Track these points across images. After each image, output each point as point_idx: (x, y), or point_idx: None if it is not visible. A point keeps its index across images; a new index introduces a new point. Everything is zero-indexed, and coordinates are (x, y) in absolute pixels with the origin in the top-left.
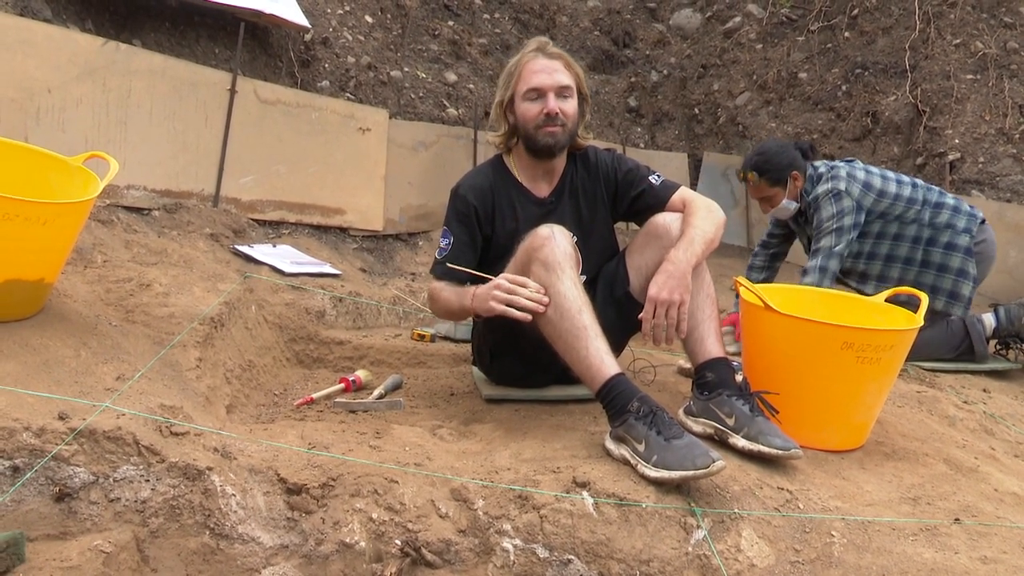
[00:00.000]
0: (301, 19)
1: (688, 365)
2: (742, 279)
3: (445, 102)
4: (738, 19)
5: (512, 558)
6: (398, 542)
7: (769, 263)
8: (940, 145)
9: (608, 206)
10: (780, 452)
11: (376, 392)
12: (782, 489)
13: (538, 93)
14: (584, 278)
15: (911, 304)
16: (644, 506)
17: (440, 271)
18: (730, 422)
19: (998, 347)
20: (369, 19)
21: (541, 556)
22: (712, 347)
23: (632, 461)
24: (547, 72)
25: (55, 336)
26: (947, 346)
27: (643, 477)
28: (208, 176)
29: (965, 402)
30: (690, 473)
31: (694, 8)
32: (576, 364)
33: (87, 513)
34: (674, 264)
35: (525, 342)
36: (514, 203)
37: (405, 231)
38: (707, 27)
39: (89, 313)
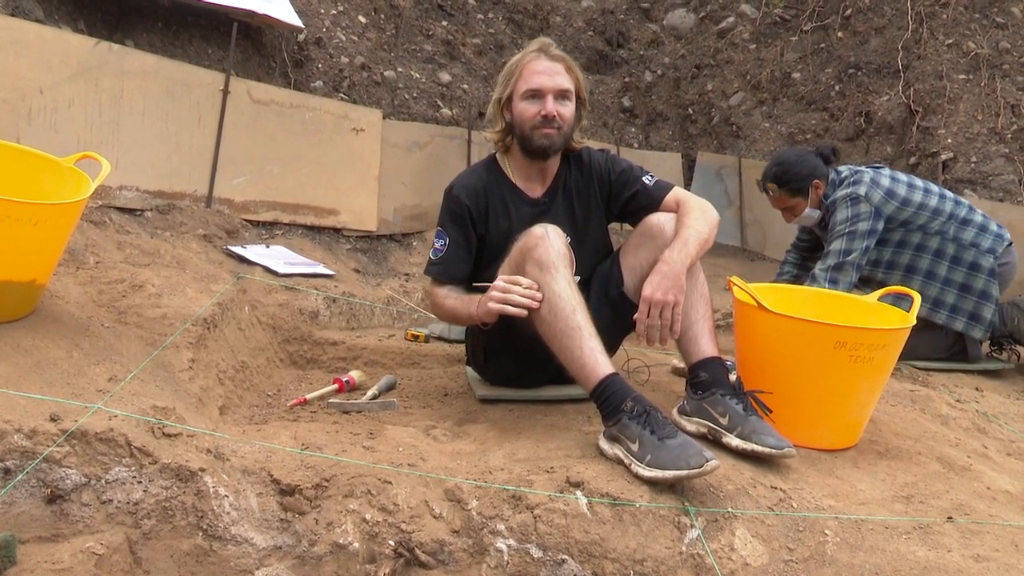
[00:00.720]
0: (294, 19)
1: (682, 365)
2: (736, 279)
3: (439, 102)
4: (732, 19)
5: (506, 558)
6: (392, 543)
7: (802, 261)
8: (933, 145)
9: (602, 207)
10: (774, 451)
11: (370, 393)
12: (776, 488)
13: (537, 94)
14: (578, 278)
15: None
16: (638, 505)
17: (435, 272)
18: (724, 421)
19: (992, 347)
20: (363, 19)
21: (535, 556)
22: (706, 347)
23: (626, 461)
24: (548, 74)
25: (47, 337)
26: (941, 347)
27: (637, 477)
28: (201, 177)
29: (958, 401)
30: (684, 472)
31: (688, 8)
32: (570, 364)
33: (79, 515)
34: (668, 264)
35: (519, 342)
36: (507, 203)
37: (399, 231)
38: (701, 27)
39: (81, 314)
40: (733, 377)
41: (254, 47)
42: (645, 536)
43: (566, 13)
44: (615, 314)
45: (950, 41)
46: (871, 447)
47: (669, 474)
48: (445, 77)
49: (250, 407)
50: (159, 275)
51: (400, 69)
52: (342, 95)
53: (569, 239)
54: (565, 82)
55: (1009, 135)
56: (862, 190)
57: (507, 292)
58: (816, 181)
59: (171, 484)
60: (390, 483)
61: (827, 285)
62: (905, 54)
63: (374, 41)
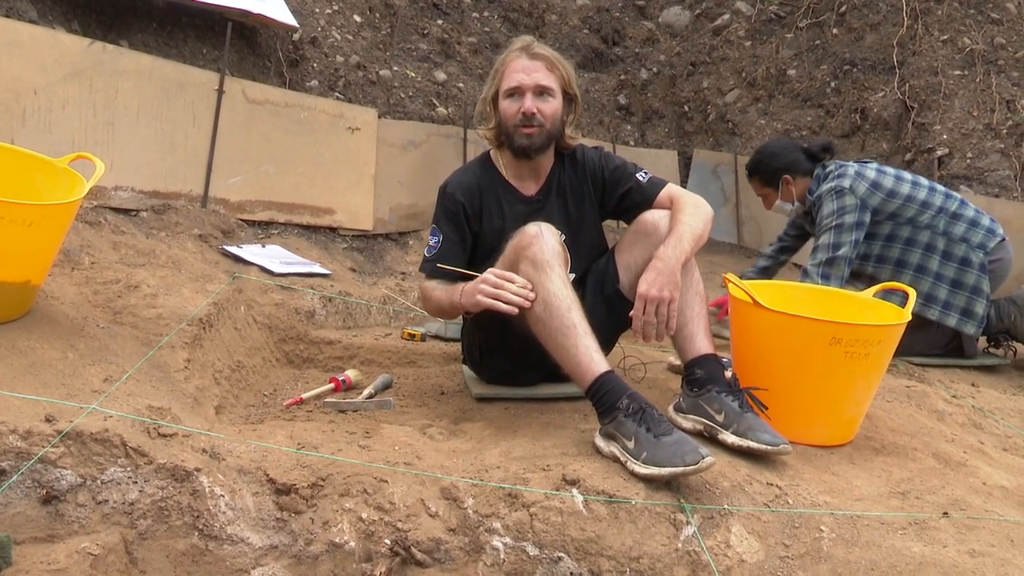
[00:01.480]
0: (289, 19)
1: (678, 362)
2: (731, 275)
3: (435, 101)
4: (727, 16)
5: (502, 556)
6: (388, 541)
7: (776, 254)
8: (928, 141)
9: (596, 204)
10: (769, 448)
11: (366, 392)
12: (771, 485)
13: (516, 92)
14: (573, 276)
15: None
16: (634, 503)
17: (429, 269)
18: (719, 418)
19: (988, 343)
20: (358, 18)
21: (531, 554)
22: (701, 343)
23: (622, 458)
24: (526, 72)
25: (42, 338)
26: (936, 344)
27: (633, 474)
28: (196, 177)
29: (954, 396)
30: (679, 470)
31: (683, 6)
32: (565, 362)
33: (75, 515)
34: (663, 261)
35: (515, 340)
36: (501, 201)
37: (395, 230)
38: (696, 24)
39: (76, 315)
40: (729, 374)
41: (249, 47)
42: (641, 533)
43: (561, 11)
44: (610, 311)
45: (945, 37)
46: (867, 443)
47: (665, 471)
48: (441, 76)
49: (246, 407)
50: (155, 275)
51: (395, 68)
52: (337, 94)
53: (563, 237)
54: (544, 79)
55: (1004, 131)
56: (847, 183)
57: (499, 288)
58: (787, 176)
59: (167, 484)
60: (386, 482)
61: (820, 280)
62: (900, 50)
63: (369, 40)
